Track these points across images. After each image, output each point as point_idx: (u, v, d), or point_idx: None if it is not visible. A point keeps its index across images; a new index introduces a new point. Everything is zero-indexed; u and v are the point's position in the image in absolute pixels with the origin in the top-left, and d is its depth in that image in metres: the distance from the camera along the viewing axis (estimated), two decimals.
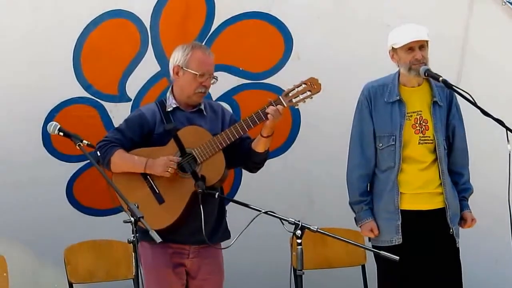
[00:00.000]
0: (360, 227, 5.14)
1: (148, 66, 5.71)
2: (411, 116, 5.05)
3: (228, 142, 4.70)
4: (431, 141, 5.04)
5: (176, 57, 4.84)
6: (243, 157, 4.84)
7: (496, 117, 4.80)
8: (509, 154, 4.65)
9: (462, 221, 5.13)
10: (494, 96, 5.56)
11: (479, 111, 4.89)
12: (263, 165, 4.90)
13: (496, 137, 4.99)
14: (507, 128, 4.73)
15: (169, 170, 4.66)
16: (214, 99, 5.66)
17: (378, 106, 5.08)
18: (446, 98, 5.09)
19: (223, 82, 5.72)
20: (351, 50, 5.88)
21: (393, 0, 5.87)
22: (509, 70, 5.85)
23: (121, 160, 4.74)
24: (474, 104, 4.95)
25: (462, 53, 5.87)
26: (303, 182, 6.09)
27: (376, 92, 5.10)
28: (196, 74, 4.77)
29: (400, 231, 5.01)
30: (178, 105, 4.84)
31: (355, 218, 5.16)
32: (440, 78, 4.91)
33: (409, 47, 4.99)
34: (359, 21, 5.85)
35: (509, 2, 5.76)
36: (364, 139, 5.11)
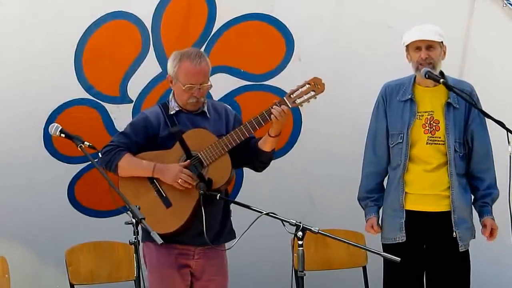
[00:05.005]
0: (366, 222, 5.16)
1: (150, 68, 5.70)
2: (422, 115, 5.02)
3: (234, 144, 4.69)
4: (442, 142, 4.99)
5: (169, 67, 4.84)
6: (249, 157, 4.83)
7: (497, 118, 4.80)
8: (510, 156, 4.65)
9: (484, 228, 5.04)
10: (495, 98, 5.56)
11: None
12: (269, 164, 4.89)
13: (497, 138, 4.99)
14: (508, 130, 4.72)
15: (179, 181, 4.66)
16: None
17: (392, 105, 5.08)
18: (465, 101, 5.00)
19: (224, 84, 5.74)
20: (352, 51, 5.87)
21: (394, 1, 5.87)
22: (510, 72, 5.85)
23: (128, 164, 4.74)
24: (475, 105, 4.95)
25: (463, 54, 5.87)
26: (304, 183, 6.08)
27: (392, 91, 5.09)
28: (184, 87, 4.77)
29: (404, 229, 5.00)
30: (180, 108, 4.83)
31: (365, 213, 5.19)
32: (441, 80, 4.90)
33: (416, 47, 4.97)
34: (360, 23, 5.84)
35: (509, 3, 5.76)
36: (377, 137, 5.11)
